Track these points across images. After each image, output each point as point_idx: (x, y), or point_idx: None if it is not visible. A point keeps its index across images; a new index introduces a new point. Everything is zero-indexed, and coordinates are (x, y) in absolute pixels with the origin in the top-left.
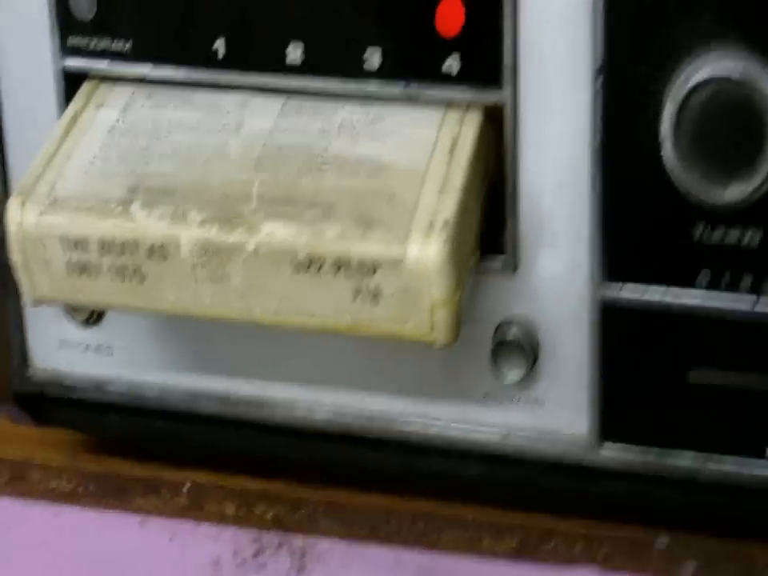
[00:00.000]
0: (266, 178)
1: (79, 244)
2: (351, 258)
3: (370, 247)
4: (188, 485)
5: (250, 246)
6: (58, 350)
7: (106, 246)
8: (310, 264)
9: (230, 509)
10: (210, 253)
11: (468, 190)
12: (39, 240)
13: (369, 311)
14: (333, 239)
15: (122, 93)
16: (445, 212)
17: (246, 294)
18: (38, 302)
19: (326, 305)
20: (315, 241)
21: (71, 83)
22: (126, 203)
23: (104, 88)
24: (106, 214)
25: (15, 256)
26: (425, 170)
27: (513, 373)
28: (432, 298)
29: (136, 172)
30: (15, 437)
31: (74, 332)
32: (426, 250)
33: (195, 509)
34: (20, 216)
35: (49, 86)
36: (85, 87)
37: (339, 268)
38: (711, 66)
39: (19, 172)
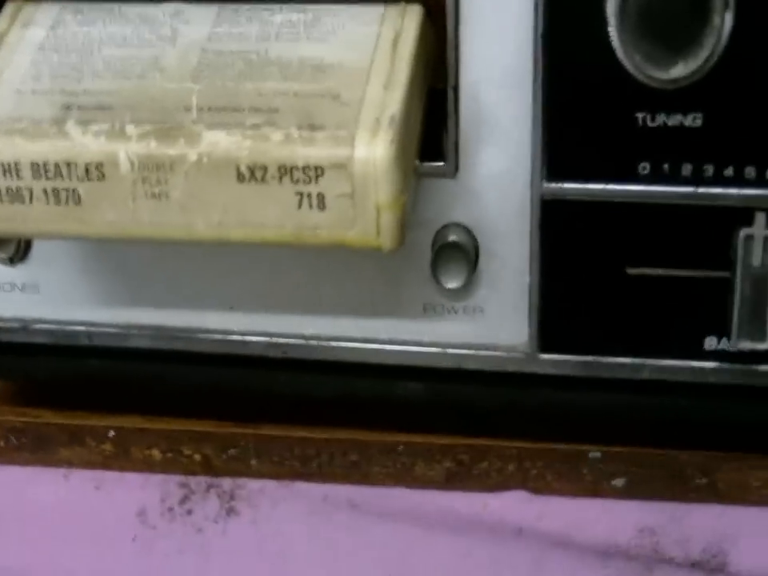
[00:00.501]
0: (205, 86)
1: (11, 169)
2: (296, 162)
3: (315, 151)
4: (112, 432)
5: (192, 157)
6: None
7: (39, 168)
8: (254, 172)
9: (156, 453)
10: (149, 167)
11: (412, 85)
12: None
13: (314, 218)
14: (276, 144)
15: (49, 10)
16: (391, 107)
17: (187, 208)
18: None
19: (271, 214)
20: (258, 148)
21: None
22: (59, 122)
23: (29, 7)
24: (38, 134)
25: None
26: (369, 67)
27: (454, 279)
28: (378, 200)
29: (68, 89)
30: None
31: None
32: (373, 150)
33: (121, 456)
34: None
35: None
36: (8, 8)
37: (284, 174)
38: None
39: None
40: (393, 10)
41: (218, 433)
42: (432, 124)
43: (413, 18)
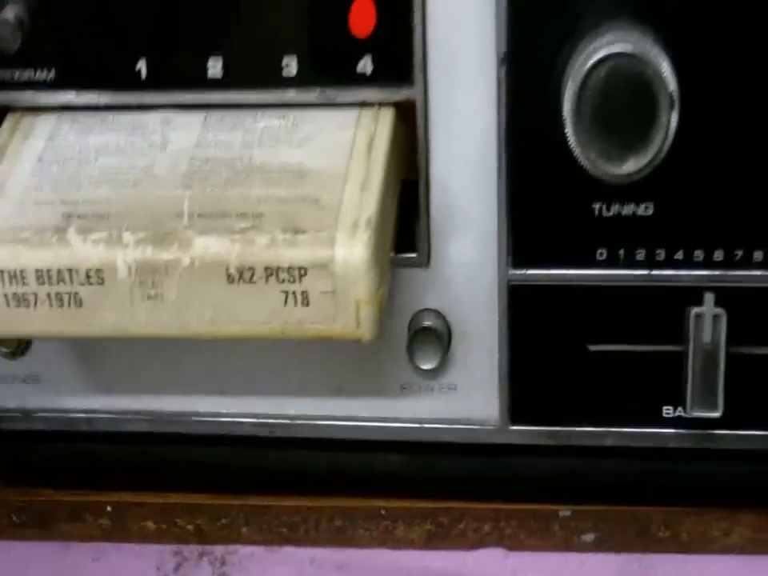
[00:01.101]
0: (195, 193)
1: (17, 276)
2: (281, 264)
3: (298, 253)
4: (109, 507)
5: (185, 261)
6: None
7: (43, 275)
8: (242, 274)
9: (151, 525)
10: (146, 272)
11: (386, 185)
12: None
13: (299, 314)
14: (263, 248)
15: (47, 122)
16: (367, 209)
17: (181, 308)
18: None
19: (259, 312)
20: (246, 251)
21: None
22: (61, 231)
23: (28, 119)
24: (41, 244)
25: None
26: (345, 171)
27: (429, 360)
28: (358, 296)
29: (68, 199)
30: None
31: (1, 364)
32: (351, 251)
33: (119, 529)
34: None
35: None
36: (8, 121)
37: (270, 275)
38: (607, 44)
39: None
40: (367, 114)
41: (210, 504)
42: (404, 215)
43: (386, 120)
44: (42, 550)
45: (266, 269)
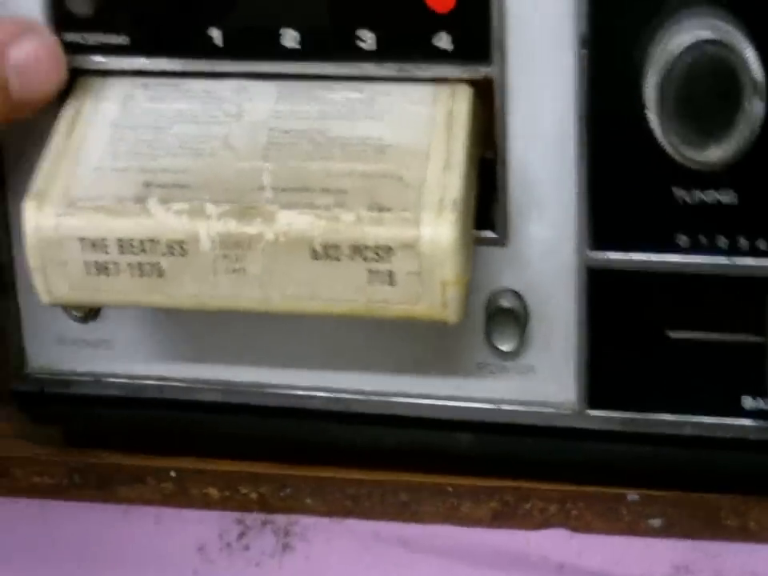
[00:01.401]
0: (276, 166)
1: (98, 244)
2: (367, 242)
3: (384, 231)
4: (173, 472)
5: (269, 236)
6: (56, 346)
7: (125, 244)
8: (327, 250)
9: (214, 492)
10: (229, 245)
11: (468, 164)
12: (57, 243)
13: (383, 293)
14: (348, 225)
15: (119, 86)
16: (452, 189)
17: (264, 282)
18: (54, 304)
19: (343, 289)
20: (332, 228)
21: (67, 80)
22: (141, 200)
23: (99, 82)
24: (123, 212)
25: (32, 260)
26: (426, 148)
27: (506, 341)
28: (444, 277)
29: (146, 167)
30: None
31: (72, 328)
32: (439, 231)
33: (180, 494)
34: (37, 220)
35: None
36: (80, 83)
37: (355, 253)
38: (691, 30)
39: (16, 170)
40: (444, 90)
41: (274, 474)
42: (481, 192)
43: (463, 97)
44: (102, 512)
45: (352, 246)
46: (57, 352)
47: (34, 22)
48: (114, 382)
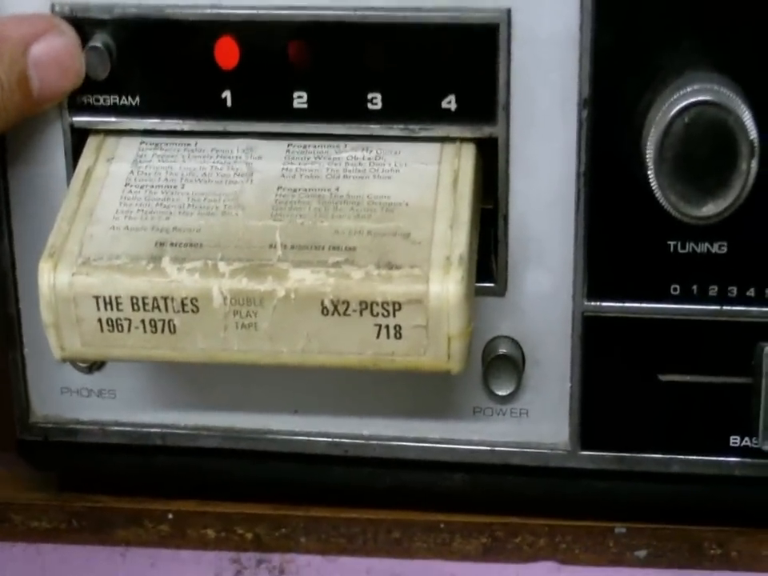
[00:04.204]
0: (286, 224)
1: (112, 302)
2: (376, 298)
3: (393, 288)
4: (170, 514)
5: (280, 293)
6: (60, 396)
7: (138, 302)
8: (337, 306)
9: (211, 533)
10: (241, 301)
11: (472, 220)
12: (72, 300)
13: (391, 346)
14: (358, 282)
15: (130, 145)
16: (458, 246)
17: (274, 337)
18: (67, 360)
19: (351, 343)
20: (341, 285)
21: (79, 139)
22: (155, 259)
23: (111, 141)
24: (137, 271)
25: (46, 317)
26: (433, 206)
27: (503, 386)
28: (450, 330)
29: (159, 226)
30: None
31: (76, 378)
32: (446, 287)
33: (177, 536)
34: (53, 278)
35: (56, 142)
36: (91, 142)
37: (364, 308)
38: (690, 93)
39: (24, 227)
40: (449, 149)
41: (270, 514)
42: (482, 244)
43: (468, 155)
44: (99, 555)
45: (361, 302)
46: (61, 401)
47: (58, 20)
48: (117, 430)
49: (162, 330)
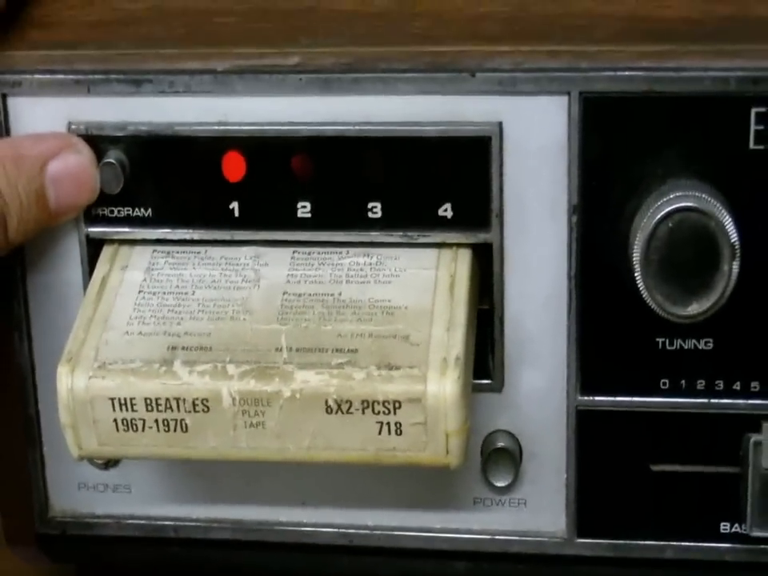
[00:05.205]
0: (291, 328)
1: (127, 403)
2: (377, 398)
3: (394, 388)
4: None
5: (286, 394)
6: (78, 491)
7: (152, 403)
8: (340, 406)
9: None
10: (249, 402)
11: (469, 321)
12: (89, 402)
13: (392, 443)
14: (360, 383)
15: (143, 254)
16: (454, 348)
17: (281, 435)
18: (84, 458)
19: (354, 440)
20: (344, 385)
21: (94, 249)
22: (167, 363)
23: (124, 250)
24: (151, 374)
25: (64, 418)
26: (431, 310)
27: (501, 478)
28: (448, 427)
29: (171, 331)
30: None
31: (93, 474)
32: (443, 387)
33: None
34: (70, 382)
35: (72, 252)
36: (106, 251)
37: (366, 407)
38: (673, 199)
39: (43, 332)
40: (446, 254)
41: None
42: (479, 342)
43: (464, 260)
44: None
45: (363, 402)
46: (78, 496)
47: (75, 139)
48: (131, 523)
49: (175, 430)
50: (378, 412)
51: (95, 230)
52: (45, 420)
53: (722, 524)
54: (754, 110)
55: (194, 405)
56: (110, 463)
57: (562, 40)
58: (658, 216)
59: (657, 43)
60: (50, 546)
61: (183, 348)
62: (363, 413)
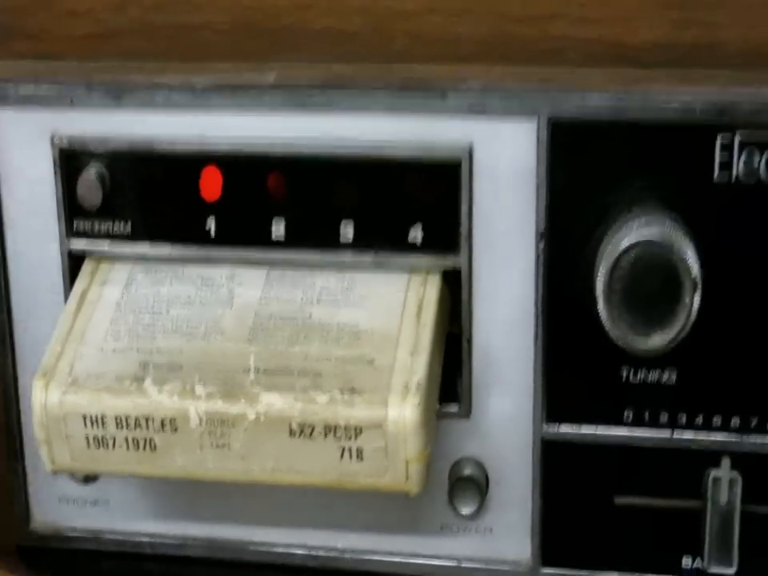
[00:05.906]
0: (260, 348)
1: (98, 420)
2: (339, 422)
3: (355, 413)
4: None
5: (251, 416)
6: (58, 505)
7: (122, 421)
8: (303, 429)
9: None
10: (215, 422)
11: (434, 346)
12: (62, 418)
13: (353, 468)
14: (323, 407)
15: (122, 270)
16: (417, 373)
17: (245, 456)
18: (57, 472)
19: (316, 464)
20: (307, 409)
21: (75, 263)
22: (138, 380)
23: (104, 266)
24: (121, 392)
25: (38, 433)
26: (397, 333)
27: (467, 505)
28: (407, 454)
29: (144, 348)
30: None
31: (73, 488)
32: (403, 413)
33: None
34: (44, 397)
35: (54, 266)
36: (87, 266)
37: (328, 432)
38: (636, 231)
39: (25, 344)
40: (416, 279)
41: None
42: (446, 368)
43: (433, 285)
44: None
45: (326, 426)
46: (59, 509)
47: None
48: (109, 538)
49: (144, 448)
50: (340, 437)
51: (77, 246)
52: (27, 433)
53: (683, 558)
54: (719, 140)
55: (163, 424)
56: (88, 478)
57: (533, 62)
58: (621, 248)
59: (626, 67)
60: (31, 558)
61: (154, 366)
62: (325, 437)
